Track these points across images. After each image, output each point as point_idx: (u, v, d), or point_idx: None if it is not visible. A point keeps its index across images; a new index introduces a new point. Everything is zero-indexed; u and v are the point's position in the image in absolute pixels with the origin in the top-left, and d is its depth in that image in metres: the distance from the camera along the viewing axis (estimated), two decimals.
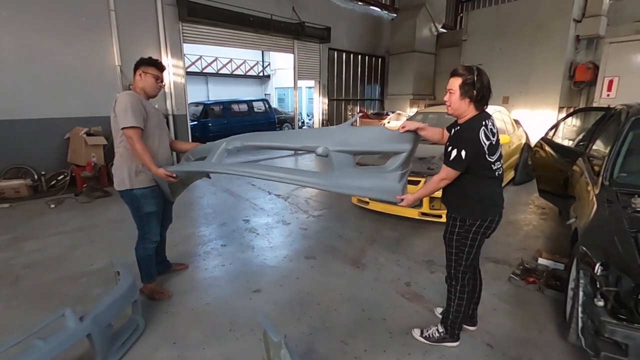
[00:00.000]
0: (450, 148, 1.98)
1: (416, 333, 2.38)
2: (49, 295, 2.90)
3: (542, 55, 8.47)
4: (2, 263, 3.43)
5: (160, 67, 2.66)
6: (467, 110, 2.01)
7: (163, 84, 2.72)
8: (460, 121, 2.06)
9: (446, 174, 2.02)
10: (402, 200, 2.14)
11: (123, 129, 2.41)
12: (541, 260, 3.29)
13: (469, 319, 2.44)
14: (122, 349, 2.21)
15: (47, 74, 5.87)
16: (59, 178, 6.10)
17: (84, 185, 5.78)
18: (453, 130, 2.09)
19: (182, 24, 7.34)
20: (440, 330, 2.31)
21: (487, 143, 1.94)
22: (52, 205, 5.19)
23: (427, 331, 2.35)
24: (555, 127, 4.96)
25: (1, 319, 2.58)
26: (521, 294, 2.92)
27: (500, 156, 2.08)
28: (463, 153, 1.92)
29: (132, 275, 2.43)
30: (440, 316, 2.47)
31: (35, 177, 5.90)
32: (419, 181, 4.18)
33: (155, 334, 2.41)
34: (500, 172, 2.08)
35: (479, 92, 1.95)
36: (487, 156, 1.96)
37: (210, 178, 3.15)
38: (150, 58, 2.65)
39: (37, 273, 3.25)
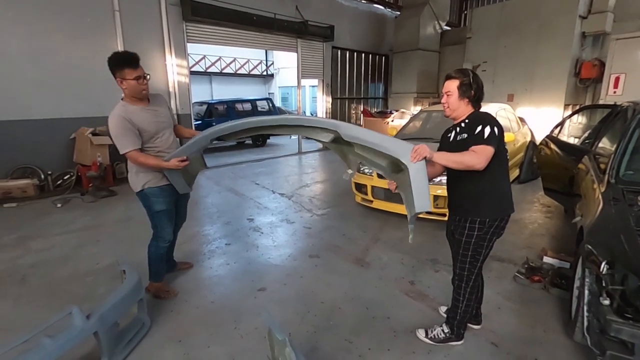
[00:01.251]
0: (479, 128, 1.91)
1: (421, 334, 2.36)
2: (56, 293, 2.93)
3: (547, 52, 8.40)
4: (9, 262, 3.47)
5: (134, 63, 2.39)
6: (465, 110, 2.07)
7: (147, 79, 2.48)
8: (460, 119, 2.09)
9: (486, 153, 1.86)
10: (417, 151, 1.89)
11: (123, 154, 2.43)
12: (546, 259, 3.28)
13: (473, 318, 2.44)
14: (128, 347, 2.23)
15: (52, 74, 5.91)
16: (65, 178, 6.15)
17: (90, 185, 5.83)
18: (462, 125, 2.06)
19: (185, 23, 7.36)
20: (446, 330, 2.30)
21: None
22: (59, 205, 5.24)
23: (432, 332, 2.33)
24: (561, 124, 4.92)
25: (9, 317, 2.62)
26: (526, 293, 2.91)
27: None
28: (496, 130, 1.90)
29: (138, 274, 2.45)
30: (445, 315, 2.46)
31: (42, 176, 5.95)
32: None
33: (161, 333, 2.43)
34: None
35: (476, 92, 2.03)
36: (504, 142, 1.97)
37: (207, 167, 3.13)
38: (118, 56, 2.40)
39: (44, 272, 3.29)
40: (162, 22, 7.01)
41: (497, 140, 1.90)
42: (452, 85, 2.04)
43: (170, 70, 7.31)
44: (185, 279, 3.17)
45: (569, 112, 8.05)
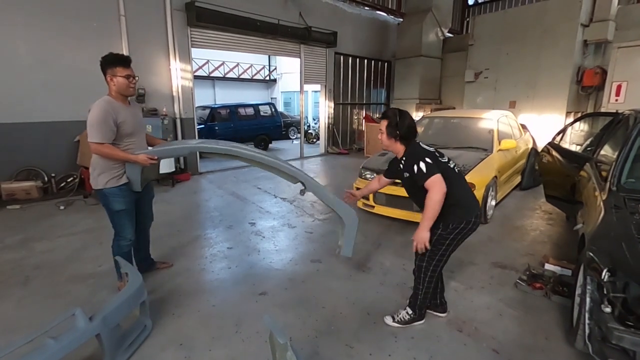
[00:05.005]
0: (416, 167, 2.20)
1: (388, 320, 2.58)
2: (59, 295, 2.95)
3: (549, 59, 8.43)
4: (13, 263, 3.49)
5: (126, 62, 2.61)
6: (398, 147, 2.35)
7: (136, 80, 2.69)
8: (399, 155, 2.39)
9: (438, 184, 2.15)
10: (418, 244, 2.27)
11: (90, 142, 2.50)
12: (548, 266, 3.27)
13: (439, 307, 2.67)
14: (130, 349, 2.24)
15: (58, 78, 5.97)
16: (69, 180, 6.19)
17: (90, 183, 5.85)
18: (402, 163, 2.37)
19: (190, 29, 7.43)
20: (410, 312, 2.54)
21: (432, 149, 2.33)
22: (62, 207, 5.27)
23: (398, 316, 2.56)
24: (563, 132, 4.93)
25: (12, 318, 2.63)
26: (528, 300, 2.90)
27: (449, 159, 2.41)
28: (427, 159, 2.19)
29: (140, 276, 2.46)
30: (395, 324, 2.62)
31: (46, 179, 5.99)
32: None
33: (163, 335, 2.44)
34: (459, 168, 2.42)
35: (402, 131, 2.28)
36: (439, 158, 2.29)
37: (158, 181, 3.29)
38: (112, 55, 2.59)
39: (47, 273, 3.30)
40: (167, 27, 7.08)
41: (433, 166, 2.18)
42: (382, 125, 2.34)
43: (174, 75, 7.37)
44: (187, 282, 3.18)
45: (571, 119, 8.06)
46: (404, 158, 2.34)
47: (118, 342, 2.17)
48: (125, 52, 6.51)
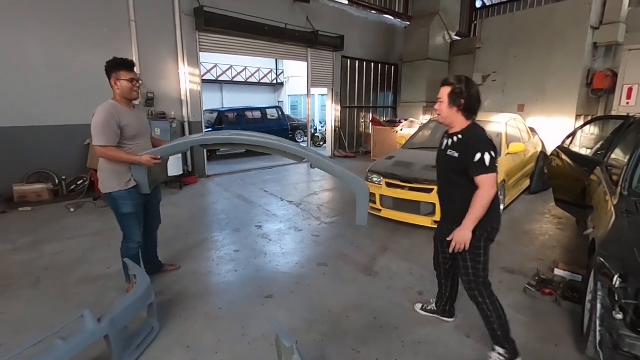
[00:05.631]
0: (478, 156, 1.92)
1: None
2: (68, 296, 2.98)
3: (558, 62, 8.35)
4: (24, 265, 3.55)
5: (130, 66, 2.67)
6: (458, 120, 2.06)
7: (139, 83, 2.74)
8: (454, 130, 2.10)
9: (494, 183, 1.93)
10: (453, 240, 2.05)
11: (95, 145, 2.55)
12: (557, 271, 3.23)
13: (447, 312, 2.57)
14: (138, 351, 2.26)
15: (69, 82, 6.07)
16: (79, 183, 6.28)
17: (99, 187, 5.92)
18: (454, 139, 2.09)
19: (199, 33, 7.52)
20: (502, 351, 2.17)
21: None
22: (72, 209, 5.34)
23: None
24: (573, 135, 4.88)
25: (22, 319, 2.67)
26: (537, 306, 2.86)
27: None
28: (493, 154, 1.93)
29: (148, 278, 2.48)
30: (422, 312, 2.66)
31: (56, 181, 6.08)
32: (432, 189, 4.15)
33: (170, 338, 2.45)
34: None
35: (467, 101, 2.00)
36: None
37: (166, 183, 3.28)
38: (117, 60, 2.65)
39: (57, 275, 3.35)
40: (176, 32, 7.17)
41: (495, 161, 1.94)
42: (444, 92, 2.05)
43: (183, 79, 7.45)
44: (194, 285, 3.20)
45: (581, 122, 7.96)
46: (460, 135, 2.05)
47: (126, 343, 2.19)
48: (135, 57, 6.61)
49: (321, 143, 13.54)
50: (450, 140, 2.11)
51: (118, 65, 2.62)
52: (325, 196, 6.38)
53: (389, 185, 4.53)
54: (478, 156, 1.92)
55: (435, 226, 4.18)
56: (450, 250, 2.08)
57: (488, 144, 1.97)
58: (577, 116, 8.31)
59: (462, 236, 2.00)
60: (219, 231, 4.57)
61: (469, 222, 1.98)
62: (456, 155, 2.03)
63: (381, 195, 4.57)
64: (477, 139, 1.99)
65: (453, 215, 2.13)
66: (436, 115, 2.15)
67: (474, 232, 2.01)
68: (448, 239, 2.08)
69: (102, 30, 6.30)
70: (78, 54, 6.10)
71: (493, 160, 1.92)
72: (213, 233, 4.51)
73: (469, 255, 2.09)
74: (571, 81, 8.22)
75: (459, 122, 2.06)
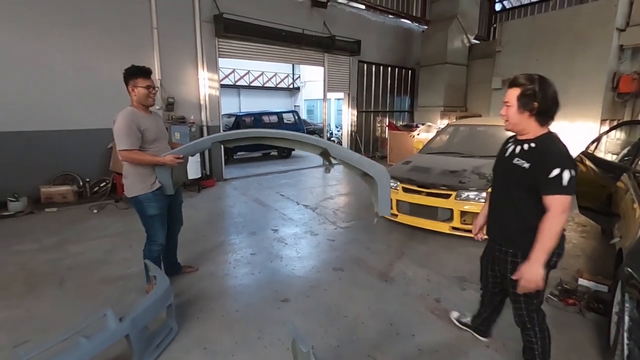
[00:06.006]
0: (556, 172, 1.61)
1: None
2: (91, 296, 3.07)
3: (582, 65, 8.12)
4: (50, 264, 3.68)
5: (147, 74, 2.76)
6: (530, 127, 1.77)
7: (155, 90, 2.84)
8: (525, 136, 1.80)
9: (568, 208, 1.64)
10: (521, 279, 1.71)
11: (119, 150, 2.63)
12: (582, 281, 3.12)
13: (481, 331, 2.44)
14: (157, 350, 2.30)
15: (94, 87, 6.29)
16: (101, 185, 6.47)
17: (124, 193, 6.09)
18: (525, 146, 1.79)
19: (218, 39, 7.67)
20: None
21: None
22: (95, 211, 5.51)
23: None
24: (597, 140, 4.73)
25: (48, 317, 2.76)
26: (560, 316, 2.77)
27: None
28: (573, 172, 1.63)
29: (168, 280, 2.53)
30: (456, 322, 2.53)
31: (80, 183, 6.29)
32: (450, 195, 4.10)
33: (187, 339, 2.49)
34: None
35: (542, 104, 1.71)
36: None
37: (185, 186, 3.34)
38: (134, 67, 2.75)
39: (80, 274, 3.45)
40: (196, 39, 7.34)
41: (574, 182, 1.63)
42: (512, 95, 1.77)
43: (202, 84, 7.61)
44: (211, 287, 3.24)
45: (606, 127, 7.71)
46: (533, 143, 1.75)
47: (146, 343, 2.23)
48: (156, 63, 6.81)
49: None
50: (519, 148, 1.81)
51: (135, 73, 2.73)
52: (340, 200, 6.37)
53: (405, 190, 4.49)
54: (555, 172, 1.61)
55: (453, 232, 4.17)
56: (519, 291, 1.76)
57: (569, 159, 1.66)
58: (602, 121, 8.04)
59: (532, 274, 1.66)
60: (236, 234, 4.63)
61: (540, 255, 1.65)
62: (526, 166, 1.73)
63: (397, 200, 4.53)
64: (557, 152, 1.68)
65: (505, 234, 1.90)
66: (504, 122, 1.85)
67: (525, 257, 1.75)
68: (514, 277, 1.76)
69: (126, 37, 6.50)
70: (102, 60, 6.31)
71: (572, 179, 1.61)
72: (230, 236, 4.57)
73: None
74: (595, 85, 7.98)
75: (532, 129, 1.77)
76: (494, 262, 2.05)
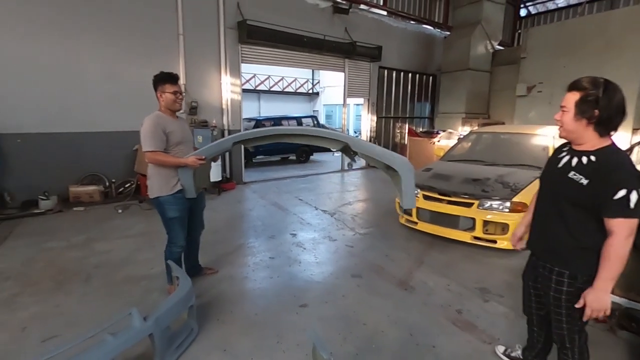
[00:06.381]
0: (622, 193, 1.46)
1: None
2: (115, 294, 3.16)
3: (612, 72, 7.77)
4: (78, 261, 3.80)
5: (174, 80, 2.86)
6: (588, 136, 1.60)
7: (182, 96, 2.95)
8: (583, 147, 1.63)
9: (630, 227, 1.50)
10: (585, 305, 1.61)
11: (145, 152, 2.73)
12: (613, 297, 2.97)
13: None
14: (178, 351, 2.34)
15: (121, 92, 6.51)
16: (126, 186, 6.67)
17: (147, 193, 6.26)
18: (584, 159, 1.61)
19: (241, 45, 7.82)
20: None
21: None
22: (120, 211, 5.68)
23: None
24: (630, 150, 4.55)
25: (75, 313, 2.86)
26: (589, 334, 2.65)
27: None
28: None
29: (190, 281, 2.58)
30: (504, 357, 2.33)
31: (107, 183, 6.51)
32: (472, 203, 4.02)
33: (208, 340, 2.52)
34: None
35: (603, 112, 1.53)
36: None
37: (206, 189, 3.37)
38: (163, 74, 2.86)
39: (105, 272, 3.56)
40: (220, 45, 7.51)
41: None
42: (570, 99, 1.60)
43: (225, 89, 7.76)
44: (231, 289, 3.28)
45: (638, 137, 7.40)
46: (593, 156, 1.57)
47: (168, 343, 2.27)
48: (181, 68, 6.99)
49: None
50: (575, 160, 1.64)
51: (164, 79, 2.84)
52: (359, 206, 6.34)
53: (426, 197, 4.43)
54: (622, 193, 1.45)
55: (475, 242, 4.08)
56: (585, 319, 1.65)
57: (638, 178, 1.48)
58: (634, 130, 7.72)
59: (598, 301, 1.56)
60: (255, 237, 4.67)
61: (606, 282, 1.56)
62: (584, 182, 1.56)
63: (418, 208, 4.47)
64: (623, 170, 1.50)
65: (552, 251, 1.76)
66: (558, 128, 1.70)
67: (571, 276, 1.67)
68: (577, 305, 1.64)
69: (153, 43, 6.71)
70: (131, 66, 6.53)
71: (638, 201, 1.45)
72: (249, 239, 4.61)
73: (564, 303, 1.72)
74: (628, 92, 7.41)
75: (589, 139, 1.60)
76: (536, 280, 1.91)
